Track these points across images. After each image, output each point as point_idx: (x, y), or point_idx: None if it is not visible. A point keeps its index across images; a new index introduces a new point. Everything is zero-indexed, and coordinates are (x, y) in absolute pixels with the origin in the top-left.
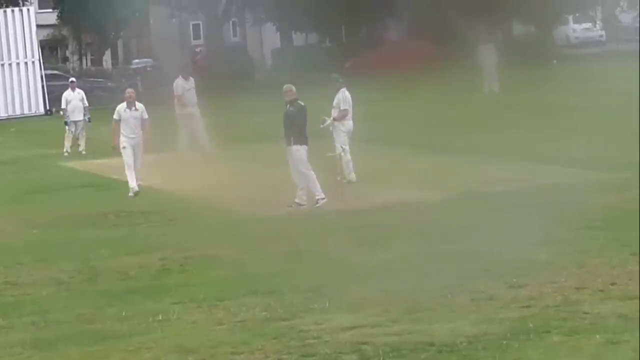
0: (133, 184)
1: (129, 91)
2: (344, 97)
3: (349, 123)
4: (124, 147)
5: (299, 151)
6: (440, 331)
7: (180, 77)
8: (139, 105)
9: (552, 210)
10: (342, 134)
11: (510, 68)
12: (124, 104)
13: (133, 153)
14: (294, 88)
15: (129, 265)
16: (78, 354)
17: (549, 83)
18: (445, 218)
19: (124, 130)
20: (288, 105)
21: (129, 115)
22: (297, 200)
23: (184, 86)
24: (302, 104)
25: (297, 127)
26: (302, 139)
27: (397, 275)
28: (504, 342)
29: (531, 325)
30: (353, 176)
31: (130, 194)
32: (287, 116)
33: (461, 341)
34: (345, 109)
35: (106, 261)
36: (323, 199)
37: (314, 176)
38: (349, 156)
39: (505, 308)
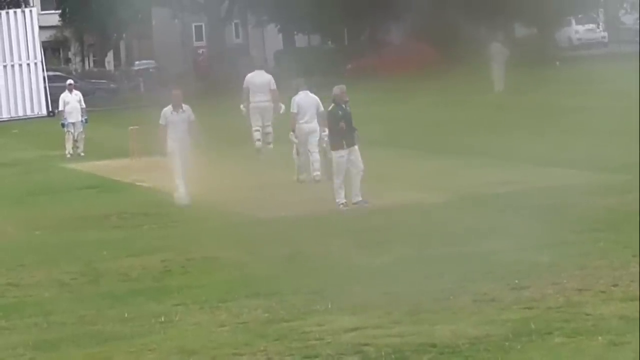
0: (183, 191)
1: (176, 92)
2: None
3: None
4: (170, 153)
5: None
6: (442, 333)
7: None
8: (185, 106)
9: (554, 212)
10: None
11: (513, 70)
12: (169, 107)
13: (181, 159)
14: None
15: (131, 266)
16: (80, 356)
17: (551, 85)
18: (447, 220)
19: (171, 134)
20: (344, 106)
21: (176, 118)
22: (359, 198)
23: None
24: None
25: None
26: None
27: (399, 277)
28: (506, 343)
29: (533, 326)
30: (318, 175)
31: (183, 202)
32: (349, 116)
33: (463, 343)
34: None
35: (108, 263)
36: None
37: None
38: (317, 156)
39: (507, 309)
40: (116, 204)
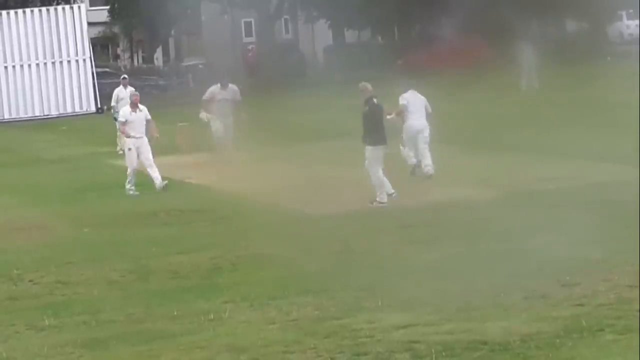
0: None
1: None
2: None
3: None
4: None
5: (368, 151)
6: (493, 330)
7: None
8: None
9: (606, 208)
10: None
11: (564, 65)
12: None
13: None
14: (369, 86)
15: (181, 264)
16: (129, 354)
17: (602, 80)
18: (497, 216)
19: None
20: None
21: None
22: (377, 199)
23: None
24: (376, 102)
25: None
26: (371, 140)
27: (449, 274)
28: (557, 340)
29: (584, 323)
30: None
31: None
32: (363, 116)
33: (514, 340)
34: None
35: (157, 260)
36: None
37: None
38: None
39: (558, 306)
40: (165, 201)
